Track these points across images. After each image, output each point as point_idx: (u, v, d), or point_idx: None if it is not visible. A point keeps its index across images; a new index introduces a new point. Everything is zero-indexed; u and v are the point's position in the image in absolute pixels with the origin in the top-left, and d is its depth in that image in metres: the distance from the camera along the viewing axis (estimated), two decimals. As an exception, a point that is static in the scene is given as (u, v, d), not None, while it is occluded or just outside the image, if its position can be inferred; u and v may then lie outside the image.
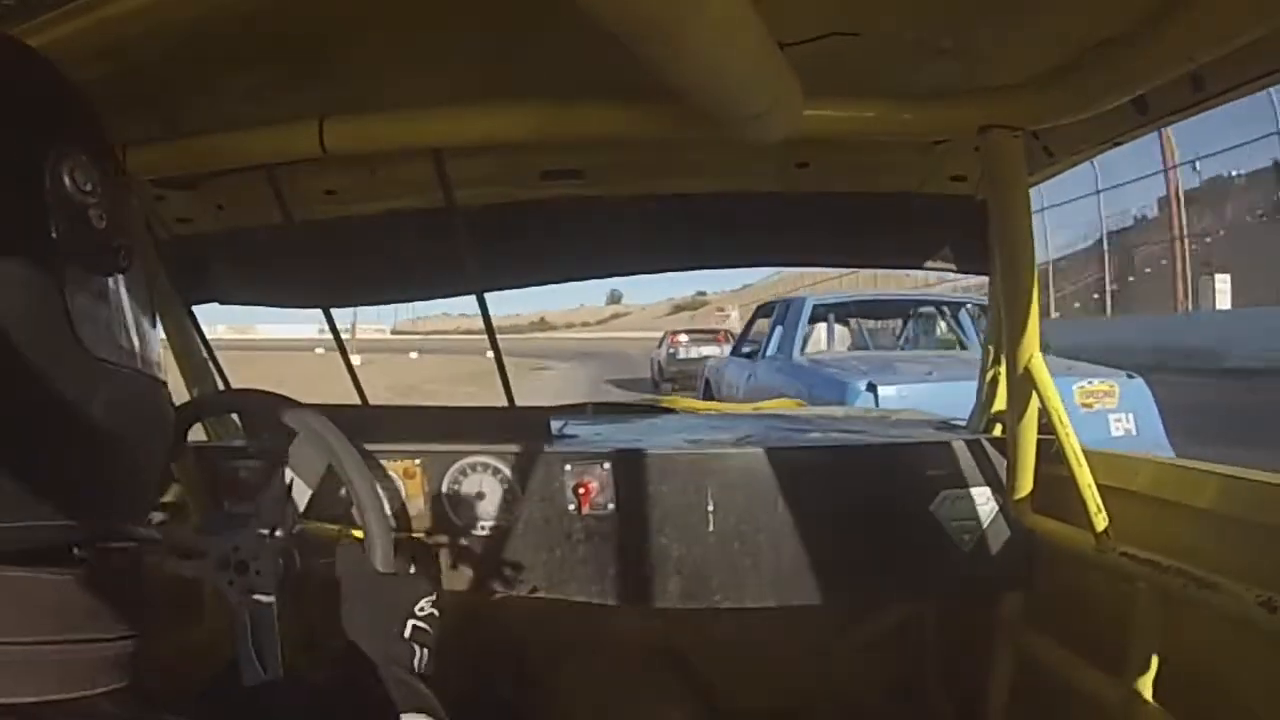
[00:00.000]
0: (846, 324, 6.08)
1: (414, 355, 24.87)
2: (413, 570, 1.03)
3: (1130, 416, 4.14)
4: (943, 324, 6.11)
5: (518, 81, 1.17)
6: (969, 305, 5.91)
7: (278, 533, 1.02)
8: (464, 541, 1.45)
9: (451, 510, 1.45)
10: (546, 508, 1.44)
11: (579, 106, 1.20)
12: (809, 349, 5.49)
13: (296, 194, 1.43)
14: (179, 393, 1.48)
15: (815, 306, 5.69)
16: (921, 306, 6.40)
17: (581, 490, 1.42)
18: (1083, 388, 4.13)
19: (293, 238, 1.47)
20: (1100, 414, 4.04)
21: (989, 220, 1.39)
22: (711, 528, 1.42)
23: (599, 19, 0.77)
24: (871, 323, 6.47)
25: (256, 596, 0.99)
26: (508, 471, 1.44)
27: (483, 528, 1.44)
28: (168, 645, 1.29)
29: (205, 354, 1.64)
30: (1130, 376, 4.31)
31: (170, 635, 1.34)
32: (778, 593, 1.43)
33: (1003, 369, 1.44)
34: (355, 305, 1.86)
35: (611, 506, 1.42)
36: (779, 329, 5.80)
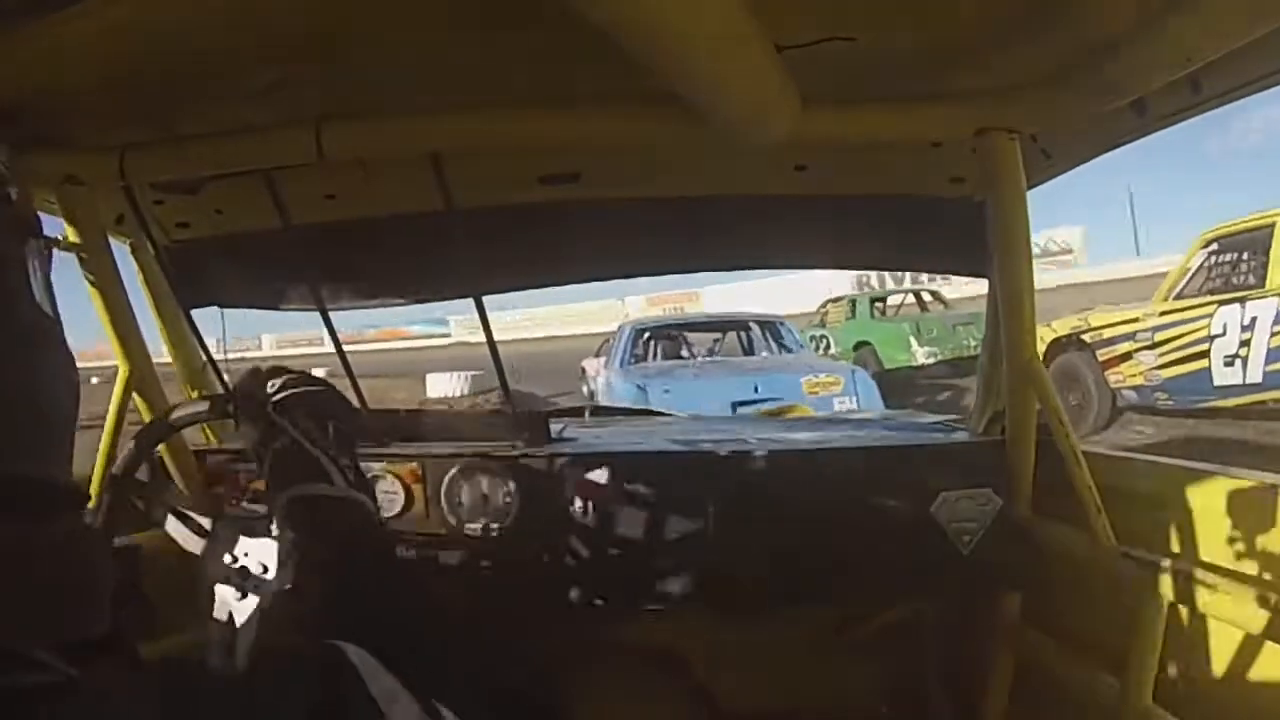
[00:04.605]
0: (673, 340, 8.18)
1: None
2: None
3: (853, 398, 6.20)
4: (747, 336, 8.24)
5: (516, 86, 1.17)
6: (779, 321, 8.21)
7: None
8: (464, 544, 1.45)
9: (452, 513, 1.45)
10: (547, 509, 1.44)
11: (578, 111, 1.20)
12: (641, 360, 7.54)
13: (295, 198, 1.43)
14: (178, 396, 1.47)
15: (636, 329, 7.84)
16: (732, 324, 8.60)
17: (581, 492, 1.42)
18: (810, 380, 6.25)
19: (291, 241, 1.47)
20: (827, 398, 6.19)
21: (987, 222, 1.40)
22: (711, 530, 1.42)
23: (597, 24, 0.78)
24: (695, 336, 8.63)
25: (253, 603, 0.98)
26: (508, 474, 1.44)
27: (483, 530, 1.44)
28: (166, 646, 1.29)
29: (205, 358, 1.64)
30: (854, 371, 6.58)
31: (169, 637, 1.34)
32: (778, 594, 1.43)
33: (1002, 370, 1.44)
34: (354, 309, 1.86)
35: (611, 508, 1.43)
36: (615, 346, 7.79)
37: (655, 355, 7.74)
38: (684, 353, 8.10)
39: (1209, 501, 1.11)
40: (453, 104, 1.20)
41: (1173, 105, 1.11)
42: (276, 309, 1.74)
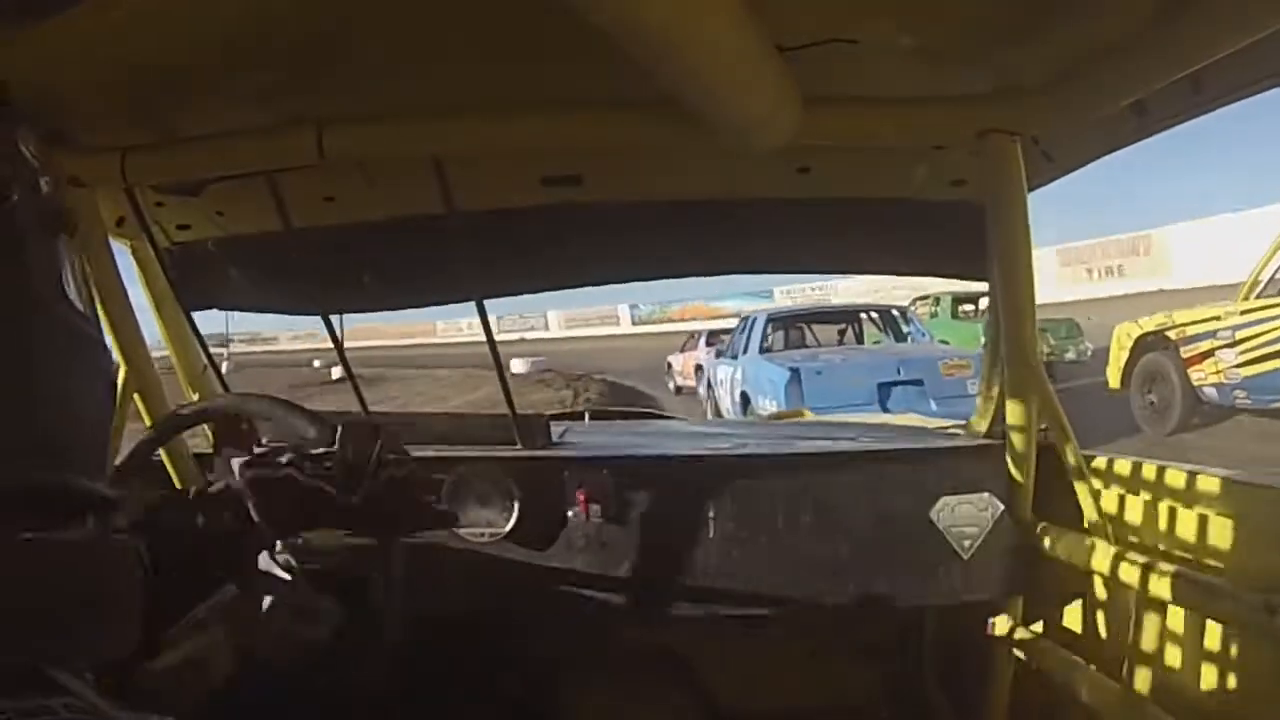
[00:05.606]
0: (799, 329, 8.67)
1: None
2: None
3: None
4: (872, 325, 8.90)
5: (518, 88, 1.17)
6: (898, 308, 8.89)
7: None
8: (464, 548, 1.44)
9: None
10: (547, 514, 1.43)
11: (579, 113, 1.20)
12: (772, 348, 7.97)
13: (296, 200, 1.43)
14: (178, 397, 1.47)
15: (769, 319, 8.27)
16: (854, 313, 9.26)
17: (582, 496, 1.42)
18: (946, 363, 6.88)
19: (292, 244, 1.46)
20: (960, 380, 6.60)
21: (988, 225, 1.40)
22: (712, 534, 1.41)
23: (598, 26, 0.78)
24: (819, 325, 9.19)
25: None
26: (508, 478, 1.44)
27: (483, 534, 1.44)
28: (170, 655, 1.29)
29: (205, 360, 1.64)
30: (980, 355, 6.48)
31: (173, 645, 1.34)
32: (779, 599, 1.43)
33: (1003, 374, 1.44)
34: (354, 311, 1.85)
35: (612, 513, 1.42)
36: (746, 335, 8.11)
37: (783, 344, 8.14)
38: (809, 340, 8.55)
39: (1209, 503, 1.11)
40: (454, 106, 1.20)
41: (1174, 107, 1.11)
42: (278, 311, 1.75)
